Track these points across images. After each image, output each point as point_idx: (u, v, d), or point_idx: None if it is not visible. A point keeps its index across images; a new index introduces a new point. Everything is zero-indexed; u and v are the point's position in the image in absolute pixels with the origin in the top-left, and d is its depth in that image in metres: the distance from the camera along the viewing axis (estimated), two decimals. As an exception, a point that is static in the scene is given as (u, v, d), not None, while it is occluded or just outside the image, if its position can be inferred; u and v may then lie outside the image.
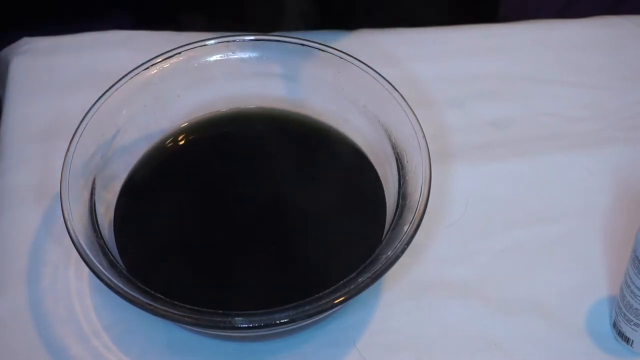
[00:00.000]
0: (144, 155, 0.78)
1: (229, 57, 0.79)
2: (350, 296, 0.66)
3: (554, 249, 0.78)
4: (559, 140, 0.85)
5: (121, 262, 0.70)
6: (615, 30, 0.94)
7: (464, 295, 0.75)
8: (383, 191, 0.76)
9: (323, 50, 0.78)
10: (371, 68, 0.77)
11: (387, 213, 0.74)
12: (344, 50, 0.78)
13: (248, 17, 0.97)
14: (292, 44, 0.79)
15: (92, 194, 0.73)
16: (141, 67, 0.77)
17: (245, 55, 0.80)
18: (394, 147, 0.75)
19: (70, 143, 0.73)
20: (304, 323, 0.70)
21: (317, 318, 0.70)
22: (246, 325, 0.65)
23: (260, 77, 0.80)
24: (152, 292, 0.67)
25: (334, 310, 0.70)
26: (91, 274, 0.67)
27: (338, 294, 0.66)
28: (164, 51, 0.78)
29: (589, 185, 0.82)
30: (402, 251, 0.68)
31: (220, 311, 0.66)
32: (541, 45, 0.92)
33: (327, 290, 0.67)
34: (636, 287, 0.68)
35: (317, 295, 0.66)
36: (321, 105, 0.80)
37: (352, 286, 0.66)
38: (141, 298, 0.66)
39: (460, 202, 0.80)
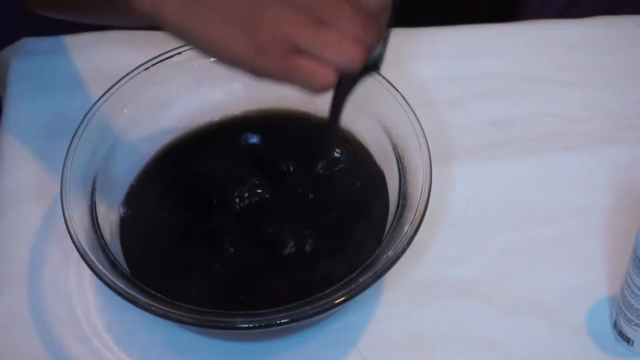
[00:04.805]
0: (148, 156, 0.78)
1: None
2: (350, 296, 0.66)
3: (554, 249, 0.78)
4: (559, 140, 0.85)
5: (122, 262, 0.70)
6: (615, 30, 0.94)
7: (464, 295, 0.75)
8: (384, 191, 0.76)
9: (323, 50, 0.78)
10: (371, 68, 0.77)
11: (388, 213, 0.74)
12: (344, 50, 0.78)
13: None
14: (292, 44, 0.79)
15: (92, 194, 0.73)
16: (141, 67, 0.77)
17: (245, 55, 0.80)
18: (395, 147, 0.75)
19: (70, 143, 0.73)
20: (304, 323, 0.70)
21: (317, 318, 0.70)
22: (247, 325, 0.65)
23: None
24: (153, 292, 0.67)
25: (334, 310, 0.70)
26: (92, 274, 0.67)
27: (338, 294, 0.66)
28: (164, 51, 0.78)
29: (589, 185, 0.82)
30: (403, 251, 0.68)
31: (221, 311, 0.66)
32: (541, 45, 0.92)
33: (327, 290, 0.67)
34: (637, 287, 0.68)
35: (317, 295, 0.67)
36: (321, 105, 0.80)
37: (353, 286, 0.66)
38: (142, 298, 0.66)
39: (460, 202, 0.80)
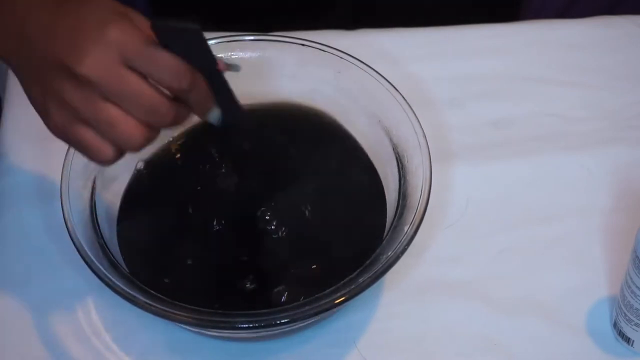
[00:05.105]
0: (146, 155, 0.78)
1: (229, 57, 0.79)
2: (350, 296, 0.66)
3: (554, 249, 0.78)
4: (559, 140, 0.85)
5: (121, 262, 0.70)
6: (615, 30, 0.94)
7: (464, 295, 0.75)
8: (383, 191, 0.76)
9: (323, 50, 0.78)
10: (371, 68, 0.77)
11: (388, 213, 0.74)
12: (344, 50, 0.78)
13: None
14: (292, 44, 0.79)
15: (92, 194, 0.73)
16: (141, 67, 0.77)
17: (245, 55, 0.80)
18: (395, 147, 0.75)
19: (70, 143, 0.73)
20: (304, 323, 0.70)
21: (317, 318, 0.70)
22: (247, 326, 0.65)
23: (261, 77, 0.80)
24: (153, 292, 0.67)
25: (334, 310, 0.70)
26: (91, 274, 0.67)
27: (338, 294, 0.66)
28: (163, 51, 0.78)
29: (589, 185, 0.82)
30: (403, 251, 0.68)
31: (221, 311, 0.66)
32: (541, 45, 0.92)
33: (327, 290, 0.67)
34: (637, 287, 0.68)
35: (317, 295, 0.67)
36: (321, 105, 0.80)
37: (353, 286, 0.66)
38: (142, 298, 0.66)
39: (460, 202, 0.80)
